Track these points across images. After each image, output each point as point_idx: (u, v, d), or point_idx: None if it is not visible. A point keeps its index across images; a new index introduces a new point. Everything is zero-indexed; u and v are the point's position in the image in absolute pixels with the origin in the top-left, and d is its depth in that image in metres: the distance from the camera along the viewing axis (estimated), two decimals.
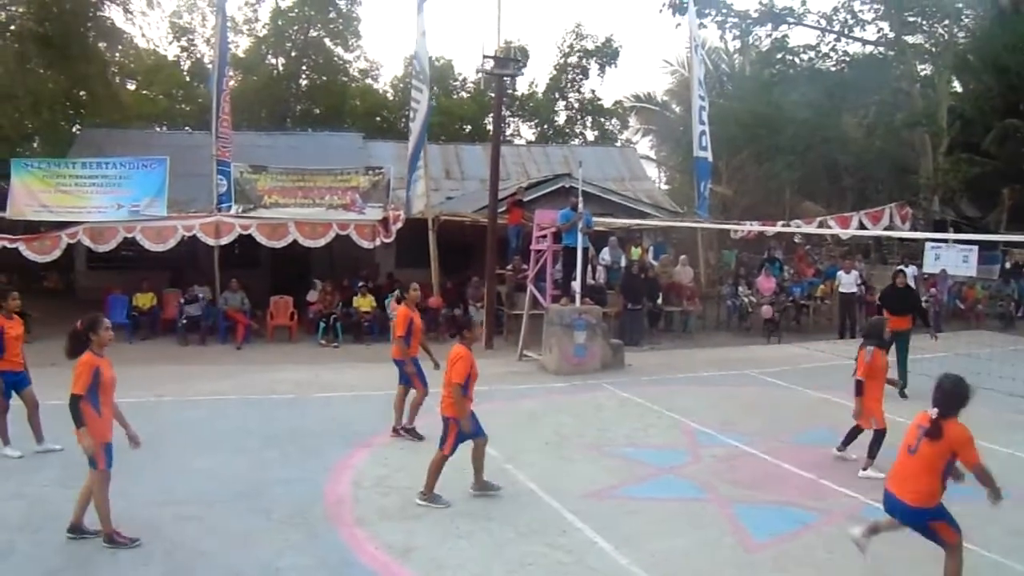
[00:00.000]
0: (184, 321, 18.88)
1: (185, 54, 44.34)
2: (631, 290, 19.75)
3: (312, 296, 20.13)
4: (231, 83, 27.14)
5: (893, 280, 14.49)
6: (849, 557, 6.61)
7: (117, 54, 38.21)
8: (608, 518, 7.85)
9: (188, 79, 42.76)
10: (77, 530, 7.05)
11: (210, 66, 30.75)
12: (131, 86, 41.62)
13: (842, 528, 7.11)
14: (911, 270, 22.47)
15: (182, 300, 19.35)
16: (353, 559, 6.91)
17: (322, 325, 19.08)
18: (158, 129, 37.61)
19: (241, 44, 43.97)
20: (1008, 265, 28.57)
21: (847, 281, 21.45)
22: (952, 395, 5.96)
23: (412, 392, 10.85)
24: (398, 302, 11.81)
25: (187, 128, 37.02)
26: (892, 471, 6.24)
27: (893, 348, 13.70)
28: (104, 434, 6.91)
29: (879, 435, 9.29)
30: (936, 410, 5.93)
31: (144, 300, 19.49)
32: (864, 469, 9.24)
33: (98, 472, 6.83)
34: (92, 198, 18.75)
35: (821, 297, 23.01)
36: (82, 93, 35.00)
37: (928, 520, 5.92)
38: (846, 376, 14.57)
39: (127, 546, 6.87)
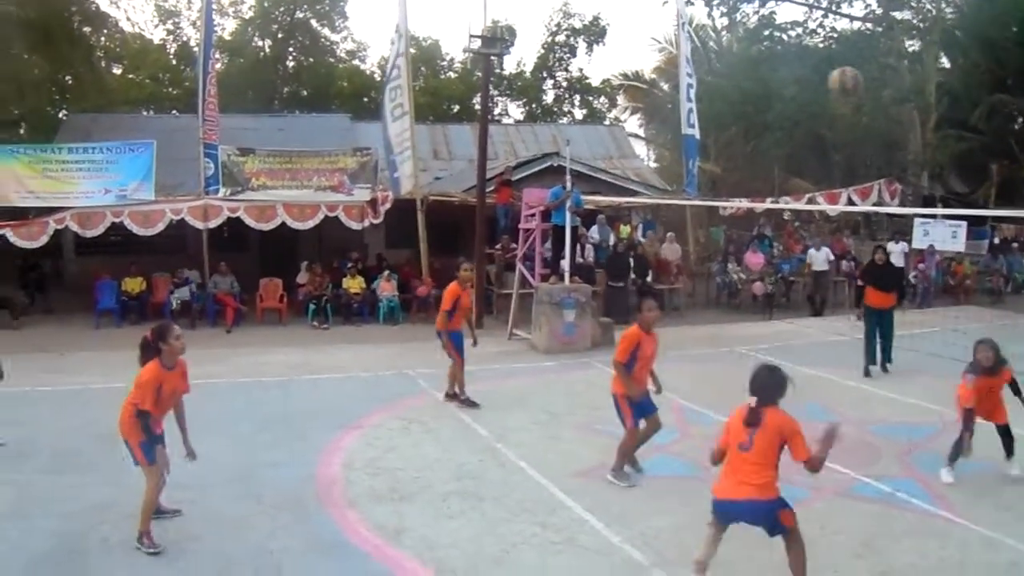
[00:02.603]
0: (174, 305, 18.87)
1: (171, 37, 44.22)
2: (614, 268, 19.73)
3: (302, 278, 20.07)
4: (217, 65, 27.01)
5: (872, 256, 14.36)
6: (840, 532, 6.62)
7: (102, 38, 38.02)
8: (599, 496, 7.85)
9: (174, 62, 42.63)
10: (159, 512, 7.00)
11: (196, 49, 30.66)
12: (117, 70, 41.50)
13: (832, 504, 7.12)
14: (900, 246, 22.54)
15: (172, 284, 19.39)
16: (345, 541, 6.91)
17: (312, 307, 19.05)
18: (145, 113, 37.49)
19: (227, 26, 43.86)
20: (997, 240, 28.59)
21: (819, 259, 21.50)
22: (767, 385, 5.80)
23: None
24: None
25: (174, 112, 36.86)
26: (723, 475, 5.85)
27: (877, 325, 13.78)
28: (140, 434, 6.69)
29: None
30: (755, 399, 5.75)
31: (133, 285, 19.40)
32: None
33: (148, 468, 6.69)
34: (79, 183, 18.69)
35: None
36: (67, 78, 34.86)
37: (777, 510, 5.68)
38: (836, 352, 14.77)
39: (151, 551, 6.57)
